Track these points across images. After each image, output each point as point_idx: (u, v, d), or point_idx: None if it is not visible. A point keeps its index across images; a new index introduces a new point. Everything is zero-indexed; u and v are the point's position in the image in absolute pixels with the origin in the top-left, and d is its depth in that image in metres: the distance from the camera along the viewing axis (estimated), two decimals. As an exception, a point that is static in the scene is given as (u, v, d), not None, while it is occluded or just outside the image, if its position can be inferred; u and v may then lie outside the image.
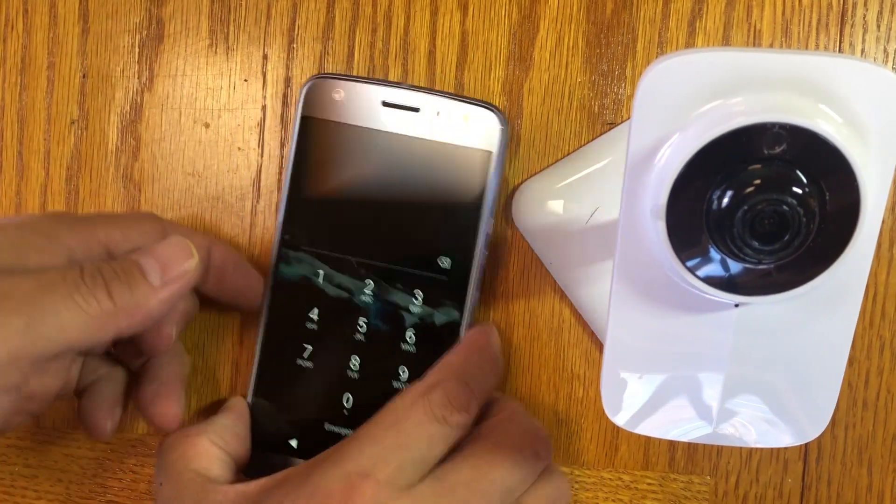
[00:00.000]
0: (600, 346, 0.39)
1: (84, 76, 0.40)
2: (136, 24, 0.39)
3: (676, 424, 0.29)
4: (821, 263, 0.24)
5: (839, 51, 0.38)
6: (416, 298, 0.37)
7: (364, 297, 0.37)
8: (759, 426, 0.29)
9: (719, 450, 0.40)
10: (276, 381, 0.38)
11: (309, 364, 0.38)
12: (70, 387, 0.35)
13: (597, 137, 0.39)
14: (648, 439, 0.40)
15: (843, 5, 0.38)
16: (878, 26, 0.38)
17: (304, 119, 0.37)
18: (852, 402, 0.40)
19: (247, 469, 0.37)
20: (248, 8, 0.39)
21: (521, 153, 0.39)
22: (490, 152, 0.36)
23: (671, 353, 0.28)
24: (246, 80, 0.39)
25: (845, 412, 0.40)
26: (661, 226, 0.24)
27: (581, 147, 0.39)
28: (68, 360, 0.33)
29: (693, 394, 0.29)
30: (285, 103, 0.39)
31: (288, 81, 0.39)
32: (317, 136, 0.37)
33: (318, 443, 0.36)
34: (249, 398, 0.38)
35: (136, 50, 0.39)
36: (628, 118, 0.38)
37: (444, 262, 0.37)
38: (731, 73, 0.24)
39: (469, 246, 0.37)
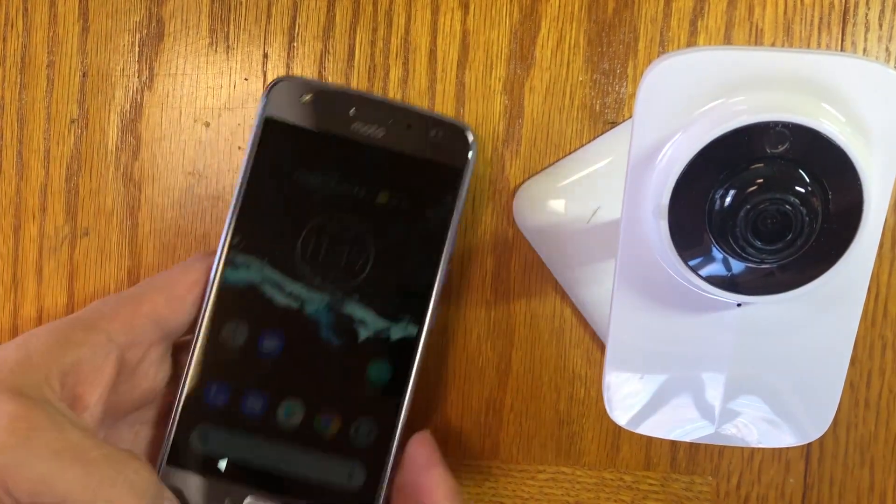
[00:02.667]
0: (602, 347, 0.39)
1: (84, 75, 0.39)
2: (136, 22, 0.39)
3: (678, 425, 0.29)
4: (823, 263, 0.24)
5: (841, 50, 0.38)
6: (374, 311, 0.35)
7: (316, 309, 0.35)
8: (761, 426, 0.29)
9: (721, 450, 0.40)
10: (211, 387, 0.35)
11: (251, 374, 0.35)
12: None
13: (598, 136, 0.39)
14: (650, 440, 0.40)
15: (845, 4, 0.38)
16: (881, 25, 0.38)
17: (267, 120, 0.35)
18: (854, 402, 0.39)
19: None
20: (248, 7, 0.39)
21: (522, 152, 0.39)
22: (459, 169, 0.35)
23: (673, 353, 0.28)
24: (246, 79, 0.39)
25: (847, 412, 0.40)
26: (664, 225, 0.24)
27: (582, 146, 0.39)
28: None
29: (695, 394, 0.29)
30: (286, 102, 0.39)
31: (288, 80, 0.39)
32: (279, 139, 0.35)
33: (247, 466, 0.35)
34: (177, 412, 0.35)
35: (137, 49, 0.39)
36: (630, 117, 0.38)
37: (407, 276, 0.36)
38: (733, 72, 0.24)
39: (433, 261, 0.35)
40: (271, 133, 0.35)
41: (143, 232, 0.40)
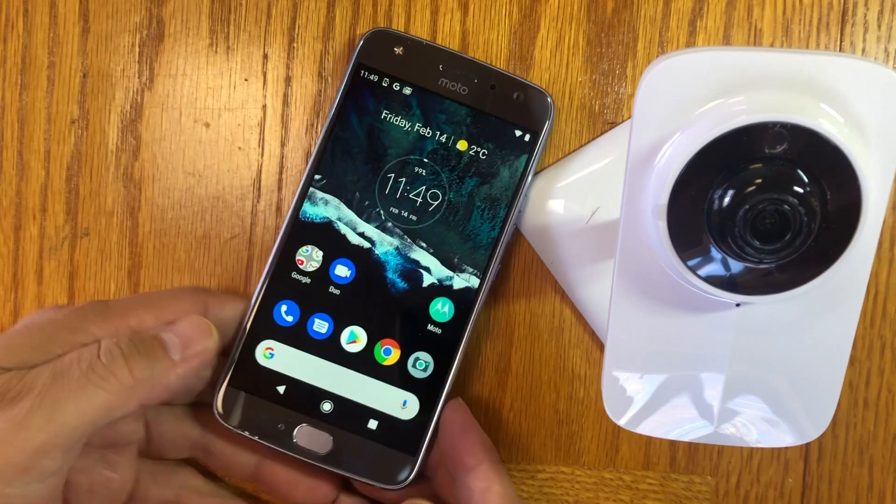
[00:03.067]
0: (601, 346, 0.39)
1: (84, 76, 0.40)
2: (136, 23, 0.39)
3: (677, 424, 0.29)
4: (822, 263, 0.24)
5: (840, 50, 0.38)
6: (440, 259, 0.37)
7: (386, 250, 0.37)
8: (760, 426, 0.29)
9: (720, 450, 0.40)
10: (276, 320, 0.37)
11: (319, 299, 0.37)
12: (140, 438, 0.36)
13: (597, 137, 0.39)
14: (649, 439, 0.40)
15: (844, 5, 0.38)
16: (879, 25, 0.38)
17: (359, 66, 0.37)
18: (853, 401, 0.40)
19: (223, 405, 0.36)
20: (248, 7, 0.39)
21: (521, 153, 0.39)
22: (536, 132, 0.37)
23: (672, 353, 0.28)
24: (246, 80, 0.39)
25: (846, 412, 0.40)
26: (662, 225, 0.24)
27: (582, 146, 0.39)
28: (118, 426, 0.34)
29: (694, 394, 0.29)
30: (286, 103, 0.39)
31: (288, 81, 0.39)
32: (367, 84, 0.37)
33: (305, 391, 0.37)
34: (244, 334, 0.37)
35: (137, 49, 0.39)
36: (629, 118, 0.38)
37: (475, 229, 0.37)
38: (731, 73, 0.24)
39: (502, 217, 0.37)
40: (361, 78, 0.37)
41: (143, 232, 0.40)
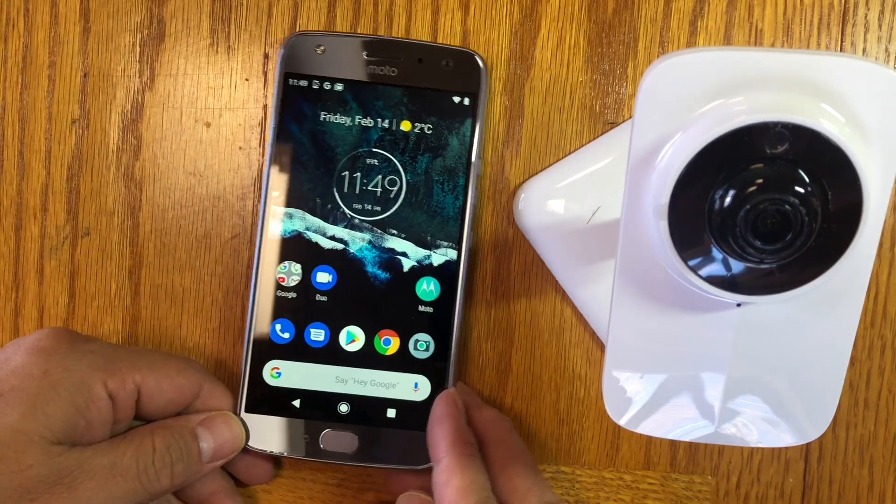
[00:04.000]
0: (602, 346, 0.39)
1: (85, 75, 0.40)
2: (137, 23, 0.39)
3: (678, 424, 0.29)
4: (823, 263, 0.24)
5: (841, 50, 0.38)
6: (413, 241, 0.38)
7: (360, 247, 0.38)
8: (760, 426, 0.29)
9: (721, 450, 0.40)
10: (274, 337, 0.38)
11: (309, 310, 0.38)
12: None
13: (598, 137, 0.39)
14: (650, 439, 0.40)
15: (845, 5, 0.38)
16: (880, 25, 0.38)
17: (286, 75, 0.38)
18: (854, 401, 0.40)
19: (245, 431, 0.38)
20: (249, 7, 0.39)
21: (522, 152, 0.39)
22: (474, 94, 0.37)
23: (673, 353, 0.28)
24: (247, 80, 0.39)
25: (847, 412, 0.40)
26: (663, 225, 0.24)
27: (582, 146, 0.39)
28: None
29: (695, 393, 0.29)
30: (286, 102, 0.39)
31: (289, 81, 0.39)
32: (300, 92, 0.38)
33: (320, 399, 0.38)
34: (248, 361, 0.38)
35: (138, 49, 0.39)
36: (630, 117, 0.38)
37: (440, 204, 0.38)
38: (732, 73, 0.24)
39: (461, 185, 0.38)
40: (292, 87, 0.38)
41: (143, 232, 0.40)
